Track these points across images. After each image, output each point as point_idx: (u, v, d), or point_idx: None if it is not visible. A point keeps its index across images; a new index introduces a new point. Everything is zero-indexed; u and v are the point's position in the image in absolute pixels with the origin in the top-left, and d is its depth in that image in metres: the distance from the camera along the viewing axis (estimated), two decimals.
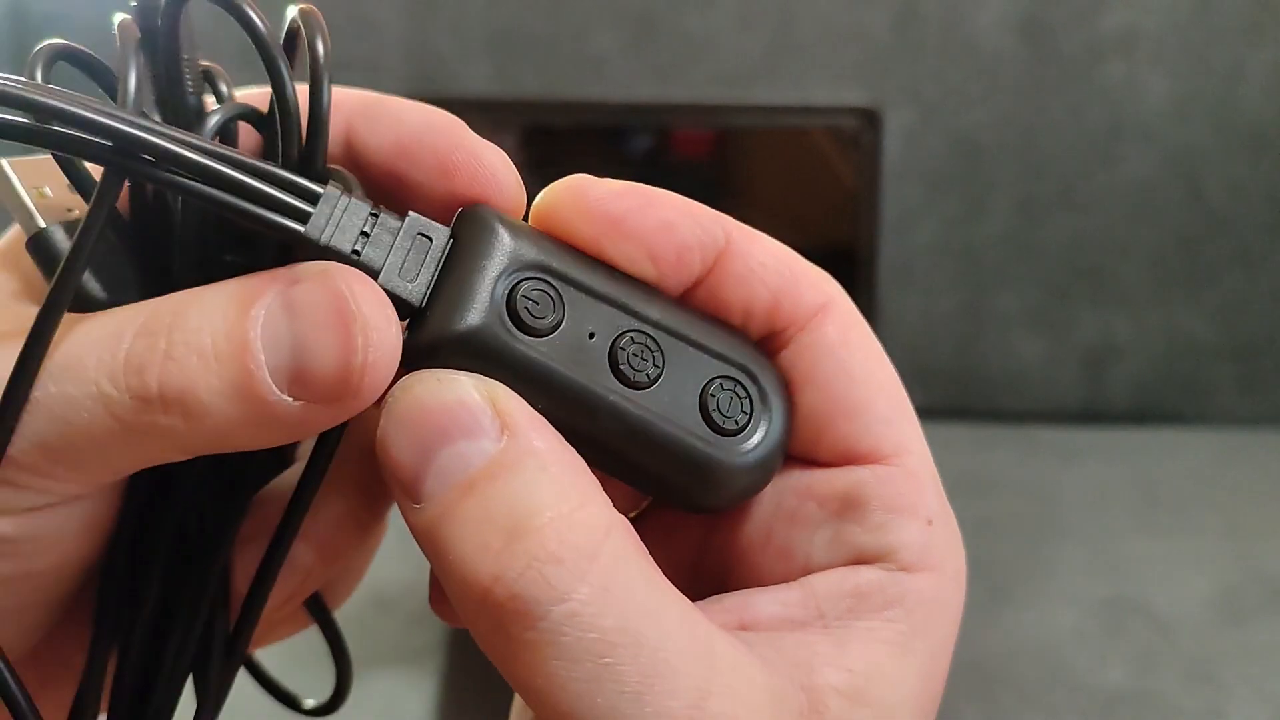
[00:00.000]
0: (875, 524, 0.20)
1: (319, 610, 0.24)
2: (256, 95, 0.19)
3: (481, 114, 0.53)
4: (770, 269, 0.20)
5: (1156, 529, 0.80)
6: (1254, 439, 0.97)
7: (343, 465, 0.21)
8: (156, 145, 0.16)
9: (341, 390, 0.17)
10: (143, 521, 0.20)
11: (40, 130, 0.17)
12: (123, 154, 0.16)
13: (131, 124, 0.16)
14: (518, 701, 0.22)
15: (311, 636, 0.25)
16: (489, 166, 0.19)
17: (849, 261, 0.53)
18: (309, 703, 0.25)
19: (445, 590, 0.17)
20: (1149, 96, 0.95)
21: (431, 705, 0.57)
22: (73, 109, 0.16)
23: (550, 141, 0.53)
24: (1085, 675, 0.61)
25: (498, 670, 0.17)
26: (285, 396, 0.17)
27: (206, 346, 0.17)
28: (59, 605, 0.21)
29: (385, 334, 0.17)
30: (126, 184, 0.19)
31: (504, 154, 0.19)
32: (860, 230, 0.53)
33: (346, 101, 0.20)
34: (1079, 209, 0.97)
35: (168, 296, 0.18)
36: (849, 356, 0.20)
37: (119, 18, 0.19)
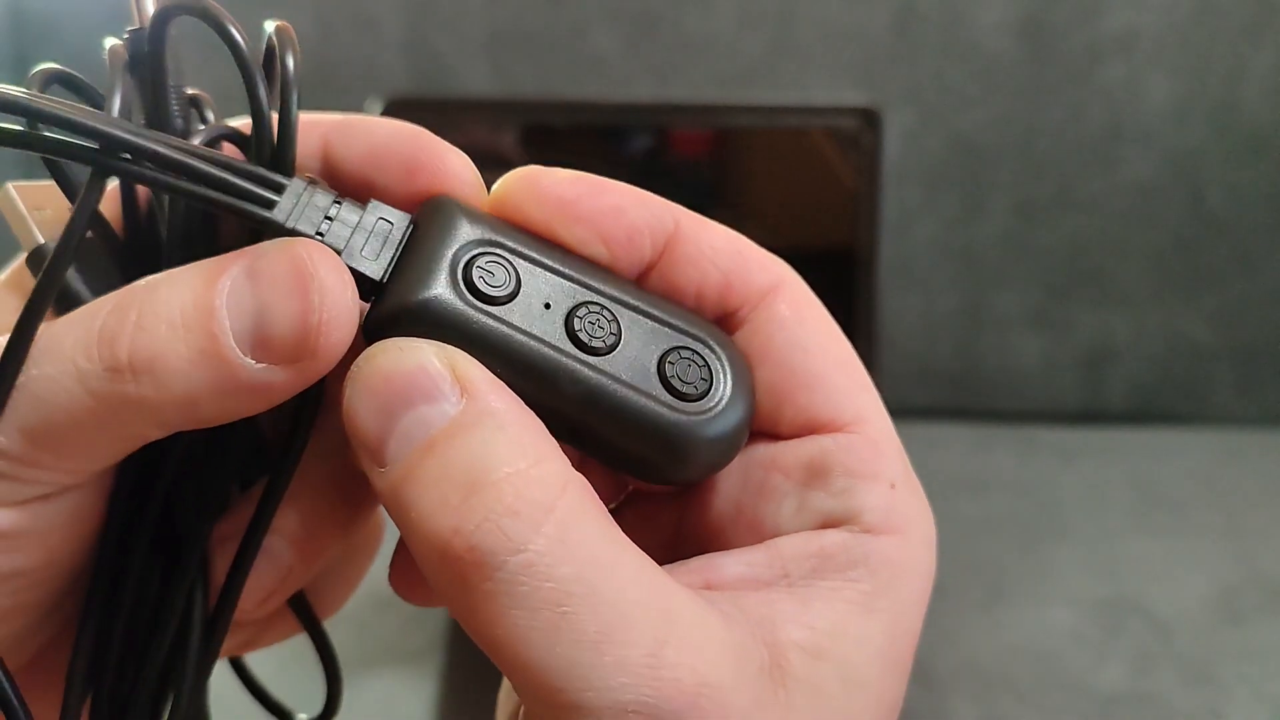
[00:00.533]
0: (839, 489, 0.20)
1: (309, 620, 0.24)
2: (246, 124, 0.20)
3: (480, 113, 0.53)
4: (720, 251, 0.20)
5: (1155, 529, 0.80)
6: (1252, 440, 0.97)
7: (319, 463, 0.22)
8: (135, 143, 0.18)
9: (300, 350, 0.18)
10: (127, 517, 0.21)
11: (31, 136, 0.18)
12: (105, 152, 0.18)
13: (112, 124, 0.18)
14: (504, 688, 0.22)
15: (308, 646, 0.25)
16: (450, 166, 0.20)
17: (849, 261, 0.53)
18: (301, 717, 0.26)
19: (411, 551, 0.17)
20: (1149, 98, 0.95)
21: (430, 705, 0.57)
22: (60, 112, 0.17)
23: (549, 141, 0.53)
24: (1083, 675, 0.61)
25: (479, 646, 0.17)
26: (249, 360, 0.18)
27: (175, 315, 0.17)
28: (50, 610, 0.21)
29: (341, 296, 0.18)
30: (120, 202, 0.20)
31: (464, 155, 0.20)
32: (860, 230, 0.53)
33: (324, 120, 0.21)
34: (1078, 210, 0.97)
35: (142, 279, 0.18)
36: (803, 331, 0.20)
37: (110, 43, 0.20)
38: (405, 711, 0.56)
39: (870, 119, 0.53)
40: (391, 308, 0.18)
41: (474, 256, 0.19)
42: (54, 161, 0.20)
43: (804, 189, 0.54)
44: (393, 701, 0.57)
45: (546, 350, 0.19)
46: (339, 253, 0.19)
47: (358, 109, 0.52)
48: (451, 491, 0.17)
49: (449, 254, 0.19)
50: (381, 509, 0.23)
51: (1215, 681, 0.61)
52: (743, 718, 0.17)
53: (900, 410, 0.84)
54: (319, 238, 0.19)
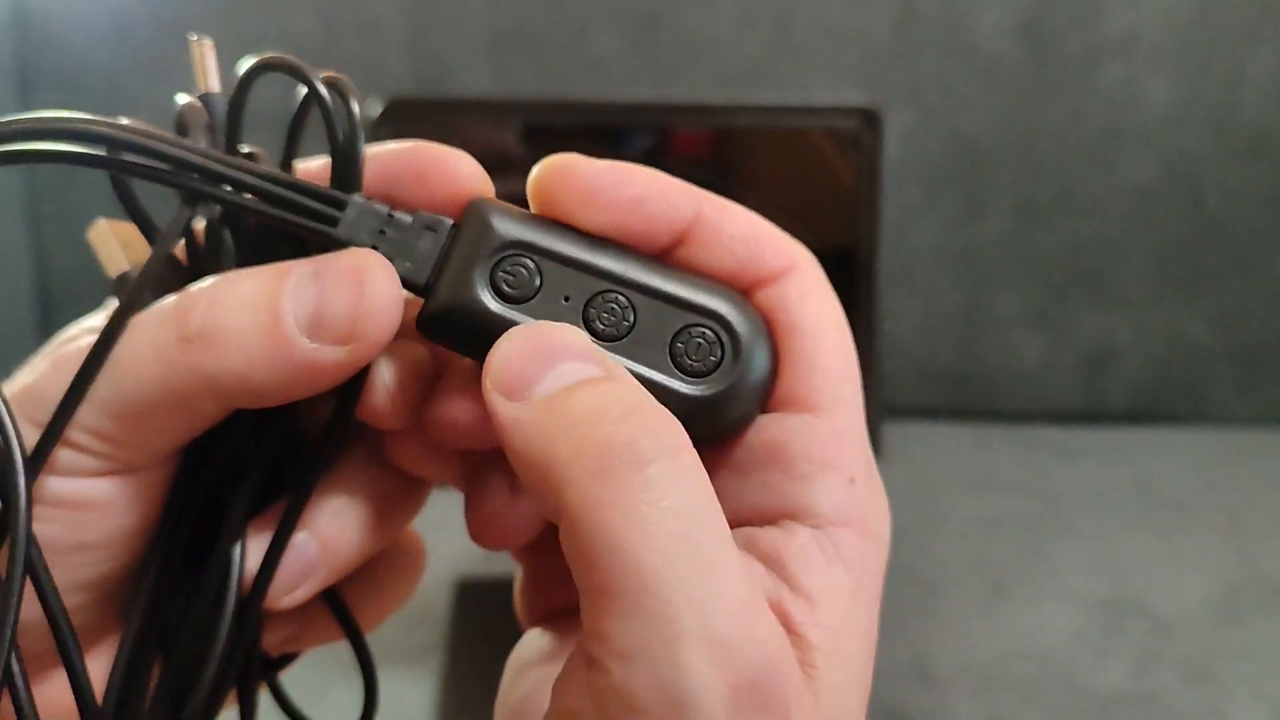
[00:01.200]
0: (799, 473, 0.21)
1: (348, 624, 0.26)
2: (316, 166, 0.24)
3: (482, 113, 0.53)
4: (737, 238, 0.22)
5: (1156, 529, 0.80)
6: (1253, 439, 0.97)
7: (353, 470, 0.24)
8: (220, 170, 0.21)
9: (349, 334, 0.20)
10: (181, 504, 0.23)
11: (129, 163, 0.21)
12: (189, 177, 0.21)
13: (200, 153, 0.21)
14: (504, 685, 0.23)
15: (335, 661, 0.26)
16: (455, 167, 0.22)
17: (849, 262, 0.53)
18: None
19: (539, 462, 0.19)
20: (1148, 99, 0.95)
21: (431, 705, 0.57)
22: (160, 147, 0.21)
23: (550, 141, 0.53)
24: (1084, 675, 0.61)
25: (590, 555, 0.18)
26: (304, 338, 0.20)
27: (244, 298, 0.20)
28: (107, 591, 0.23)
29: (388, 292, 0.21)
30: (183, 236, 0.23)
31: (466, 155, 0.23)
32: (860, 231, 0.53)
33: None
34: (1078, 211, 0.97)
35: (214, 277, 0.21)
36: (802, 310, 0.22)
37: (182, 100, 0.23)
38: (406, 711, 0.57)
39: (870, 119, 0.53)
40: (434, 309, 0.21)
41: (501, 259, 0.21)
42: (126, 193, 0.22)
43: (804, 189, 0.54)
44: (394, 701, 0.57)
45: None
46: (391, 259, 0.21)
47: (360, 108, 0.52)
48: (612, 406, 0.19)
49: (479, 259, 0.21)
50: (419, 541, 0.26)
51: (1216, 681, 0.61)
52: (798, 701, 0.18)
53: (901, 410, 0.85)
54: (374, 249, 0.21)
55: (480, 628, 0.62)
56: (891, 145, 0.53)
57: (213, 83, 0.23)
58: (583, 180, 0.22)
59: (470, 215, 0.22)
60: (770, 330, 0.22)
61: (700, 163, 0.54)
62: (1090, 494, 0.86)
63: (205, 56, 0.24)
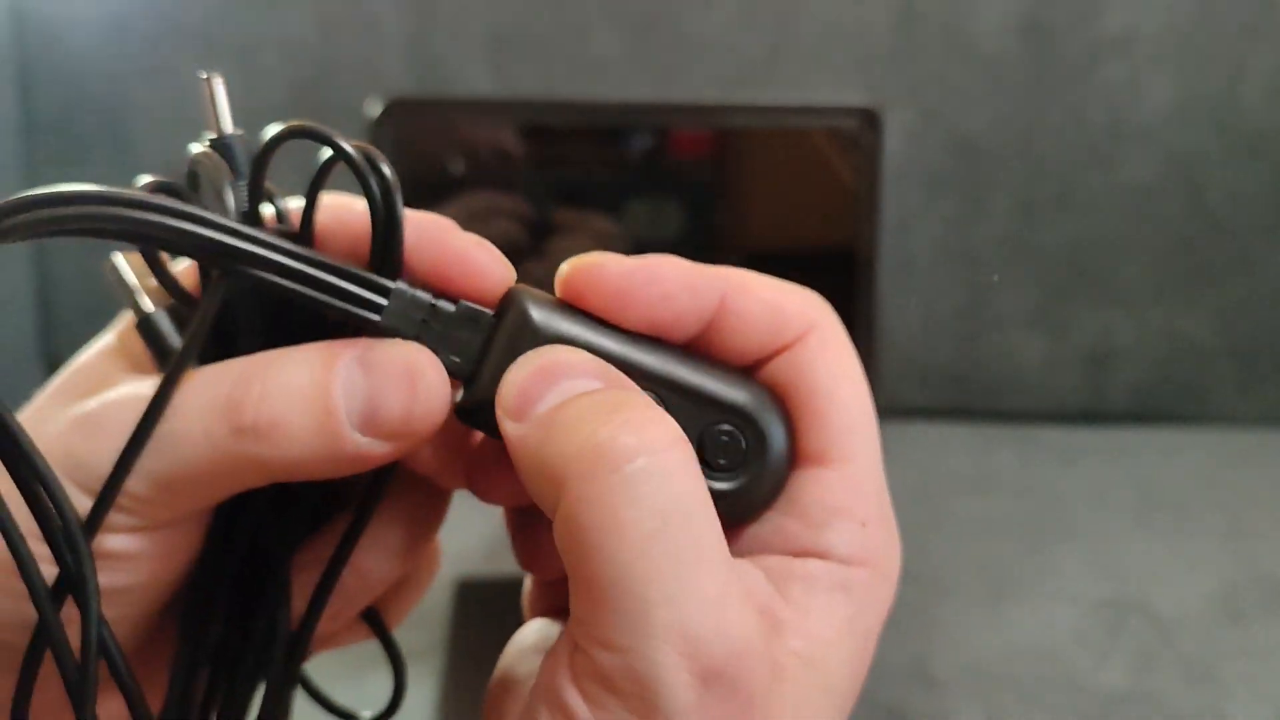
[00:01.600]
0: (814, 521, 0.23)
1: (380, 629, 0.28)
2: (295, 207, 0.24)
3: (481, 114, 0.53)
4: (760, 316, 0.23)
5: (1157, 529, 0.80)
6: (1254, 439, 0.97)
7: (386, 505, 0.25)
8: (257, 252, 0.21)
9: (402, 432, 0.22)
10: (221, 547, 0.24)
11: (149, 239, 0.21)
12: (231, 261, 0.21)
13: (234, 232, 0.21)
14: (494, 682, 0.26)
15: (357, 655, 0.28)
16: (478, 262, 0.23)
17: (849, 262, 0.53)
18: (366, 715, 0.29)
19: (538, 465, 0.20)
20: (1149, 98, 0.95)
21: (432, 704, 0.57)
22: (191, 227, 0.20)
23: (550, 141, 0.53)
24: (1085, 675, 0.61)
25: (574, 553, 0.20)
26: (356, 433, 0.21)
27: (296, 390, 0.21)
28: (148, 625, 0.24)
29: (440, 391, 0.22)
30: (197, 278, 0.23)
31: (488, 244, 0.23)
32: (860, 231, 0.53)
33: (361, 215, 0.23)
34: (1079, 210, 0.97)
35: (255, 355, 0.22)
36: (817, 371, 0.23)
37: (195, 149, 0.23)
38: (407, 710, 0.56)
39: (871, 119, 0.53)
40: (477, 399, 0.22)
41: None
42: (157, 264, 0.23)
43: (804, 189, 0.54)
44: None
45: None
46: (434, 350, 0.22)
47: (359, 109, 0.52)
48: (599, 410, 0.20)
49: (519, 352, 0.22)
50: (438, 543, 0.28)
51: (1217, 681, 0.61)
52: (764, 693, 0.20)
53: (901, 411, 0.85)
54: (418, 340, 0.22)
55: (481, 628, 0.62)
56: (892, 145, 0.53)
57: (225, 124, 0.23)
58: (612, 282, 0.23)
59: (510, 307, 0.23)
60: (786, 402, 0.23)
61: (701, 163, 0.54)
62: (1091, 494, 0.86)
63: (217, 95, 0.23)
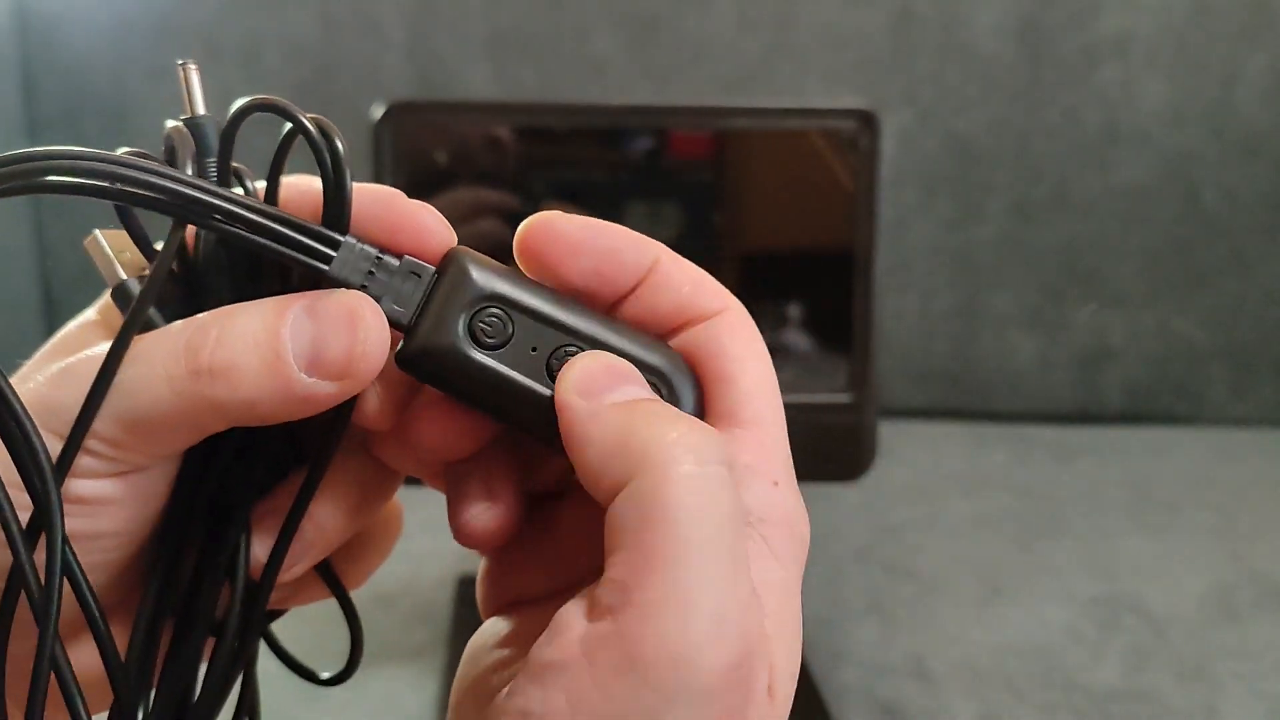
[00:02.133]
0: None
1: (337, 588, 0.29)
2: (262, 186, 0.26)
3: (481, 115, 0.53)
4: (685, 282, 0.26)
5: (1150, 528, 0.80)
6: (1247, 439, 0.98)
7: (342, 462, 0.27)
8: (216, 203, 0.23)
9: (344, 371, 0.23)
10: (188, 496, 0.26)
11: (121, 193, 0.23)
12: (195, 210, 0.23)
13: (196, 185, 0.23)
14: (458, 678, 0.26)
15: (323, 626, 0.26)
16: (424, 224, 0.25)
17: (846, 262, 0.53)
18: (324, 674, 0.30)
19: (612, 448, 0.23)
20: (1144, 100, 0.95)
21: (432, 702, 0.57)
22: (158, 179, 0.23)
23: (549, 142, 0.54)
24: (1079, 673, 0.62)
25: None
26: (303, 374, 0.23)
27: (249, 335, 0.23)
28: (119, 572, 0.25)
29: (379, 335, 0.23)
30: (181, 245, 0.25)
31: (433, 210, 0.25)
32: (857, 231, 0.53)
33: (315, 190, 0.26)
34: (1074, 211, 0.98)
35: (214, 309, 0.24)
36: (729, 343, 0.25)
37: (170, 125, 0.25)
38: (408, 708, 0.57)
39: (867, 121, 0.53)
40: (416, 347, 0.24)
41: (480, 309, 0.24)
42: (129, 218, 0.24)
43: (802, 190, 0.55)
44: (395, 698, 0.57)
45: (530, 384, 0.24)
46: (378, 299, 0.24)
47: (360, 111, 0.53)
48: (669, 415, 0.23)
49: (458, 307, 0.24)
50: (397, 505, 0.29)
51: (1210, 679, 0.61)
52: (761, 684, 0.22)
53: (897, 410, 0.85)
54: (364, 289, 0.24)
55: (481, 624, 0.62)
56: (888, 146, 0.54)
57: (198, 106, 0.25)
58: (567, 234, 0.25)
59: (451, 265, 0.24)
60: (698, 369, 0.25)
61: (699, 164, 0.54)
62: (1085, 493, 0.87)
63: (191, 80, 0.25)
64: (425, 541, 0.76)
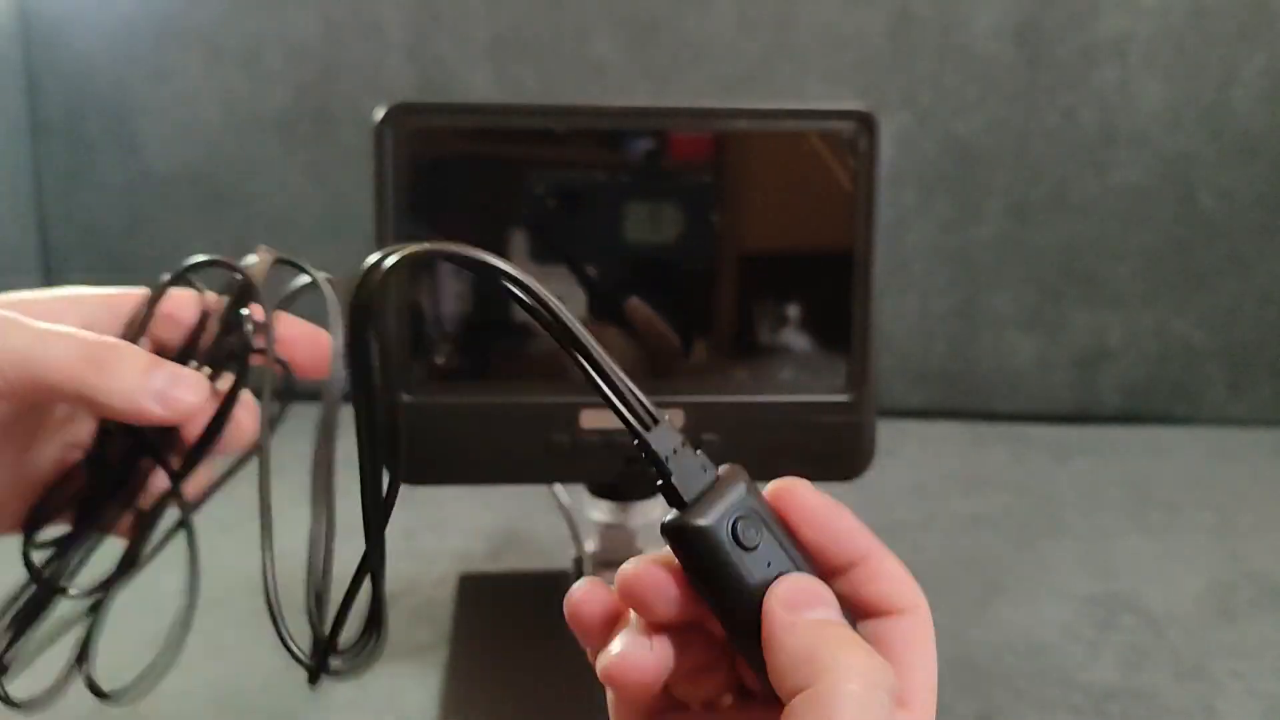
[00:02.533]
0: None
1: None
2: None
3: (481, 117, 0.54)
4: (891, 578, 0.30)
5: (1148, 527, 0.80)
6: (1244, 438, 0.98)
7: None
8: (592, 353, 0.28)
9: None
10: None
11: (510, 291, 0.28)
12: (570, 341, 0.28)
13: (586, 336, 0.28)
14: None
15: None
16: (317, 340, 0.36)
17: (845, 263, 0.54)
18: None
19: (803, 654, 0.27)
20: (1142, 101, 0.96)
21: (433, 700, 0.57)
22: (553, 303, 0.28)
23: (550, 143, 0.54)
24: (1077, 671, 0.62)
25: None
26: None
27: (138, 362, 0.34)
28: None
29: (196, 388, 0.34)
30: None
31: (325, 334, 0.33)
32: (856, 232, 0.54)
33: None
34: (1072, 212, 0.98)
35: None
36: (913, 639, 0.30)
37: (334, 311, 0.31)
38: (411, 706, 0.57)
39: (866, 122, 0.53)
40: (689, 519, 0.28)
41: (742, 516, 0.29)
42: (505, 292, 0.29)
43: (801, 191, 0.55)
44: (396, 696, 0.57)
45: (753, 586, 0.28)
46: (670, 475, 0.29)
47: (363, 112, 0.53)
48: (855, 640, 0.28)
49: (729, 505, 0.29)
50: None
51: (1208, 677, 0.62)
52: None
53: (896, 410, 0.84)
54: (665, 462, 0.29)
55: (483, 622, 0.63)
56: (887, 148, 0.54)
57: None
58: (806, 506, 0.30)
59: (735, 476, 0.30)
60: (886, 657, 0.29)
61: (699, 165, 0.55)
62: (1083, 492, 0.87)
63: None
64: (428, 540, 0.77)
